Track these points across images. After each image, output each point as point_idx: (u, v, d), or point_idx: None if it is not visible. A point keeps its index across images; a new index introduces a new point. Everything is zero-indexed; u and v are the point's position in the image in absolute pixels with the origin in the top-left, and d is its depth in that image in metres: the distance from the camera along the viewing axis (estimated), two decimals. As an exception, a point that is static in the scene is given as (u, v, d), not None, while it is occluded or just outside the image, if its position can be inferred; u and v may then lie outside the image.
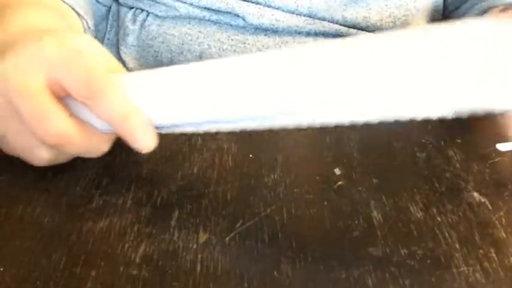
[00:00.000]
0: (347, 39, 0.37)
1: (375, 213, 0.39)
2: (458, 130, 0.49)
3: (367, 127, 0.48)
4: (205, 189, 0.40)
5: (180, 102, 0.37)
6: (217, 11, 0.59)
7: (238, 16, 0.58)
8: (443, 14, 0.66)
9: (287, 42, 0.59)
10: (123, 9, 0.63)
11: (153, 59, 0.61)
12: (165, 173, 0.42)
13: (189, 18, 0.60)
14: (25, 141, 0.38)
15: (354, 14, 0.59)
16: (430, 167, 0.44)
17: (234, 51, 0.59)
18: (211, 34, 0.59)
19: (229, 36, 0.59)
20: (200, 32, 0.60)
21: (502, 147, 0.46)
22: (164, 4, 0.60)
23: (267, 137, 0.46)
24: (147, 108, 0.37)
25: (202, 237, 0.36)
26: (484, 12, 0.57)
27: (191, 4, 0.59)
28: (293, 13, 0.58)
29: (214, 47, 0.59)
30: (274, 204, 0.39)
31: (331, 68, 0.35)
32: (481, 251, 0.36)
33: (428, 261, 0.35)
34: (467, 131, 0.49)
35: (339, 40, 0.37)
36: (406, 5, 0.61)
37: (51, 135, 0.36)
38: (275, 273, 0.34)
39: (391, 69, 0.35)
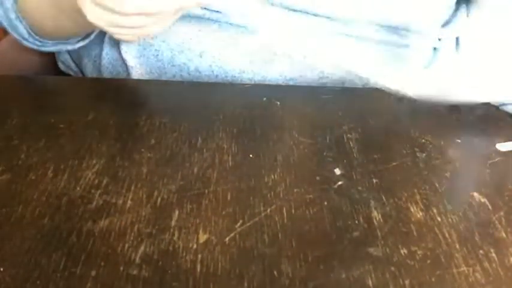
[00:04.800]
0: None
1: (375, 213, 0.39)
2: (458, 130, 0.49)
3: (367, 127, 0.48)
4: (205, 189, 0.40)
5: None
6: (216, 11, 0.59)
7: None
8: None
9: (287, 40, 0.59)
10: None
11: (154, 57, 0.61)
12: (165, 173, 0.42)
13: (189, 17, 0.60)
14: None
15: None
16: (430, 167, 0.44)
17: (235, 49, 0.59)
18: (212, 33, 0.59)
19: (229, 35, 0.59)
20: (200, 30, 0.60)
21: (502, 147, 0.46)
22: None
23: (267, 137, 0.46)
24: None
25: (202, 237, 0.36)
26: None
27: None
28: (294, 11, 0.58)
29: (215, 45, 0.59)
30: (274, 204, 0.39)
31: None
32: (481, 251, 0.36)
33: (428, 261, 0.35)
34: (467, 131, 0.49)
35: None
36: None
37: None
38: (275, 273, 0.34)
39: None
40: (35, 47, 0.63)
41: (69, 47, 0.64)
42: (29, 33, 0.60)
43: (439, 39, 0.65)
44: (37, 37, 0.61)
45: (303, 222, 0.38)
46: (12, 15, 0.58)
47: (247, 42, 0.59)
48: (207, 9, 0.59)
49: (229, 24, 0.59)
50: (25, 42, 0.61)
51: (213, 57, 0.59)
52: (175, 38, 0.60)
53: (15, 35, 0.60)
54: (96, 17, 0.46)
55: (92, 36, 0.64)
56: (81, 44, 0.64)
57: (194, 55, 0.60)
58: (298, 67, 0.59)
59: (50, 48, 0.64)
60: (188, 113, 0.49)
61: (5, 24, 0.59)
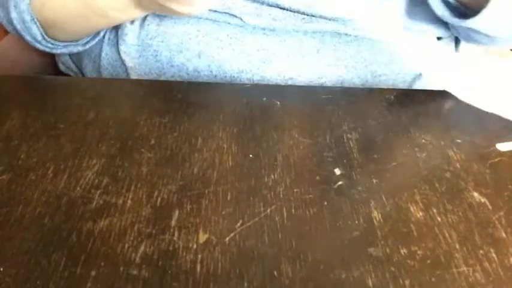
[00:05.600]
0: None
1: (375, 213, 0.39)
2: (458, 130, 0.49)
3: (367, 127, 0.48)
4: (205, 189, 0.40)
5: None
6: (215, 11, 0.59)
7: (235, 16, 0.59)
8: None
9: (285, 40, 0.59)
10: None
11: (153, 58, 0.61)
12: (165, 173, 0.42)
13: (188, 17, 0.60)
14: None
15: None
16: (430, 167, 0.44)
17: (233, 49, 0.59)
18: (210, 32, 0.59)
19: (227, 35, 0.59)
20: (199, 30, 0.60)
21: (502, 147, 0.46)
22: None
23: (267, 137, 0.46)
24: None
25: (202, 237, 0.36)
26: None
27: None
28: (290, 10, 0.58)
29: (213, 45, 0.59)
30: (274, 204, 0.39)
31: None
32: (481, 251, 0.36)
33: (428, 261, 0.35)
34: (467, 131, 0.49)
35: None
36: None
37: None
38: (275, 273, 0.34)
39: None
40: (47, 50, 0.63)
41: (80, 48, 0.64)
42: (42, 36, 0.60)
43: (439, 39, 0.65)
44: (49, 39, 0.61)
45: (303, 222, 0.38)
46: (28, 17, 0.58)
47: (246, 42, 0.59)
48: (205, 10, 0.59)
49: (228, 23, 0.59)
50: (37, 45, 0.62)
51: (212, 57, 0.59)
52: (173, 39, 0.60)
53: (28, 38, 0.60)
54: None
55: (102, 34, 0.64)
56: (91, 44, 0.64)
57: (193, 55, 0.60)
58: (296, 67, 0.59)
59: (61, 50, 0.64)
60: (188, 113, 0.49)
61: (18, 27, 0.59)
